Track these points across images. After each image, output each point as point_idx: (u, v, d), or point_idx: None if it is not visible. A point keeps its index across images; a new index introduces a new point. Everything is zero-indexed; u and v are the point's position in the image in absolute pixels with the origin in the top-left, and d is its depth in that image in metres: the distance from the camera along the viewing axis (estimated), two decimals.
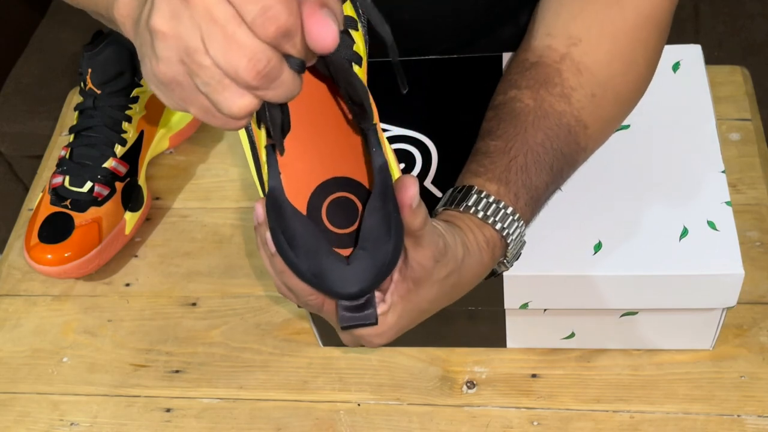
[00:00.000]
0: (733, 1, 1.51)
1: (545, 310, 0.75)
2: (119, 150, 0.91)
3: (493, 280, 0.70)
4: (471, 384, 0.78)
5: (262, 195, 0.59)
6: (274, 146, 0.53)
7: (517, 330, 0.78)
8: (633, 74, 0.70)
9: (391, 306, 0.56)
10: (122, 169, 0.91)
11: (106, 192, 0.89)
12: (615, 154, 0.75)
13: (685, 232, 0.70)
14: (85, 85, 0.92)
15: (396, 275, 0.55)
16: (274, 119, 0.49)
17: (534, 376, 0.78)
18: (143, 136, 0.94)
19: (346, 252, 0.52)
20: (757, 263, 0.82)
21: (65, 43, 1.57)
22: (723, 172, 0.74)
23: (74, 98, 1.06)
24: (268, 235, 0.52)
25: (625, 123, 0.77)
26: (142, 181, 0.93)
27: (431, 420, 0.77)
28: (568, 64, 0.68)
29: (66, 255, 0.86)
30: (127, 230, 0.91)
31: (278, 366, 0.82)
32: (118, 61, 0.91)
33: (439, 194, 0.73)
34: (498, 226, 0.63)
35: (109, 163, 0.90)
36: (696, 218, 0.71)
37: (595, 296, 0.71)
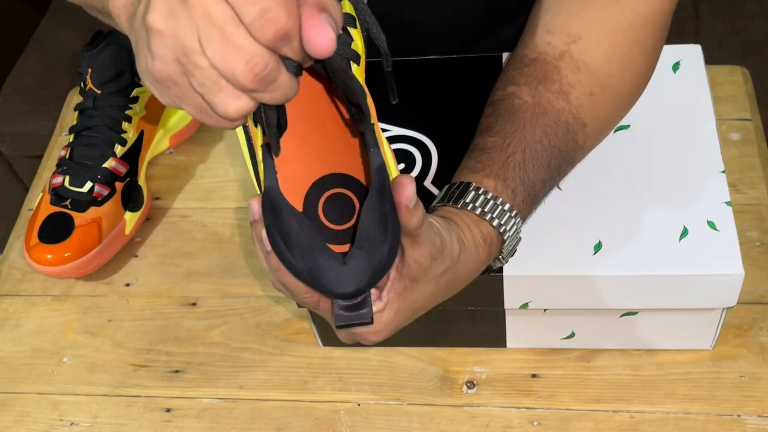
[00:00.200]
0: (733, 1, 1.51)
1: (545, 310, 0.75)
2: (119, 150, 0.91)
3: (494, 280, 0.70)
4: (471, 384, 0.78)
5: (259, 192, 0.59)
6: (270, 145, 0.53)
7: (517, 330, 0.78)
8: (631, 73, 0.70)
9: (388, 304, 0.56)
10: (122, 169, 0.91)
11: (106, 192, 0.89)
12: (615, 154, 0.75)
13: (685, 232, 0.70)
14: (85, 85, 0.92)
15: (393, 273, 0.56)
16: (269, 120, 0.49)
17: (534, 376, 0.78)
18: (143, 136, 0.94)
19: (342, 248, 0.52)
20: (757, 263, 0.82)
21: (65, 43, 1.56)
22: (723, 172, 0.74)
23: (74, 98, 1.06)
24: (263, 232, 0.52)
25: (624, 123, 0.77)
26: (142, 181, 0.93)
27: (431, 420, 0.77)
28: (567, 61, 0.68)
29: (66, 255, 0.86)
30: (127, 230, 0.91)
31: (278, 366, 0.82)
32: (118, 61, 0.91)
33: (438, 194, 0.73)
34: (495, 222, 0.63)
35: (109, 163, 0.90)
36: (696, 218, 0.71)
37: (595, 296, 0.71)
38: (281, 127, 0.51)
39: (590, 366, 0.78)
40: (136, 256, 0.92)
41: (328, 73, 0.51)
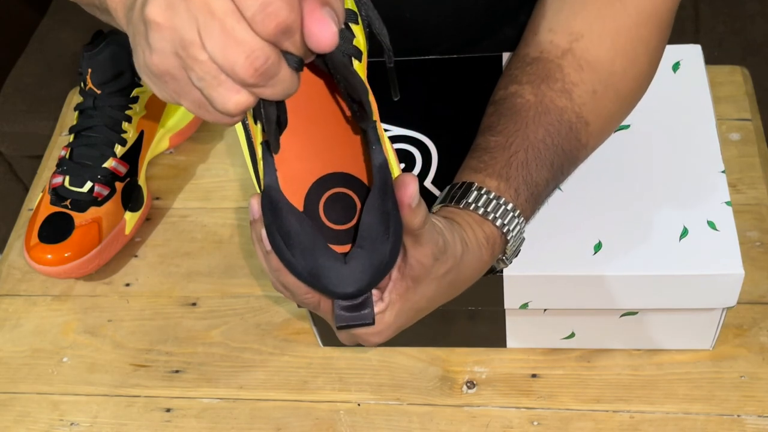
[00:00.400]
0: (733, 1, 1.51)
1: (545, 310, 0.75)
2: (119, 150, 0.91)
3: (494, 280, 0.70)
4: (471, 384, 0.78)
5: (258, 191, 0.59)
6: (270, 142, 0.52)
7: (517, 330, 0.78)
8: (634, 71, 0.70)
9: (389, 304, 0.56)
10: (122, 169, 0.91)
11: (106, 192, 0.89)
12: (615, 154, 0.75)
13: (685, 232, 0.70)
14: (85, 85, 0.92)
15: (395, 273, 0.55)
16: (269, 116, 0.49)
17: (534, 376, 0.78)
18: (143, 136, 0.94)
19: (343, 248, 0.52)
20: (757, 263, 0.82)
21: (65, 43, 1.57)
22: (723, 172, 0.74)
23: (74, 98, 1.06)
24: (263, 232, 0.51)
25: (625, 123, 0.77)
26: (142, 181, 0.93)
27: (431, 420, 0.77)
28: (570, 59, 0.68)
29: (66, 255, 0.86)
30: (127, 230, 0.91)
31: (278, 366, 0.82)
32: (118, 61, 0.91)
33: (438, 194, 0.73)
34: (498, 222, 0.62)
35: (109, 163, 0.90)
36: (696, 218, 0.71)
37: (595, 296, 0.71)
38: (281, 124, 0.51)
39: (590, 366, 0.78)
40: (136, 256, 0.92)
41: (329, 69, 0.50)
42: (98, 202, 0.88)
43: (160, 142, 0.97)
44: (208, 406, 0.80)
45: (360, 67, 0.56)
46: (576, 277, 0.70)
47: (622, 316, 0.75)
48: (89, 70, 0.91)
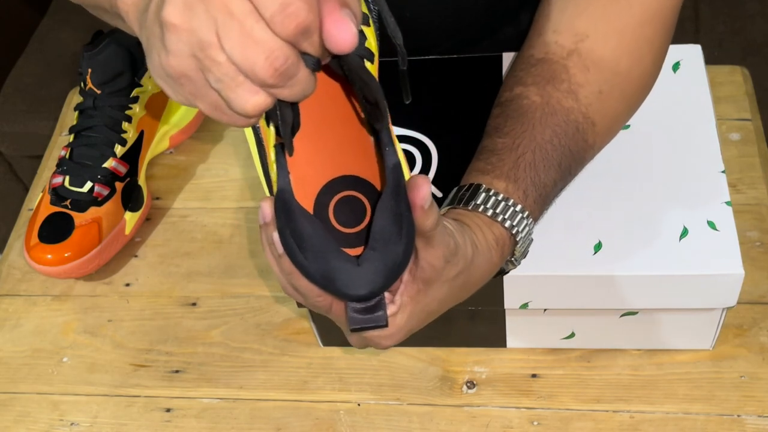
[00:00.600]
0: (733, 1, 1.51)
1: (545, 310, 0.75)
2: (119, 150, 0.91)
3: (493, 280, 0.70)
4: (471, 384, 0.78)
5: (268, 194, 0.58)
6: (283, 145, 0.52)
7: (517, 330, 0.78)
8: (639, 71, 0.70)
9: (401, 307, 0.55)
10: (122, 169, 0.91)
11: (106, 192, 0.89)
12: (615, 154, 0.75)
13: (685, 232, 0.70)
14: (85, 85, 0.92)
15: (406, 276, 0.55)
16: (285, 118, 0.48)
17: (534, 376, 0.78)
18: (143, 136, 0.94)
19: (353, 251, 0.51)
20: (757, 263, 0.82)
21: (65, 43, 1.57)
22: (723, 172, 0.74)
23: (74, 98, 1.06)
24: (276, 235, 0.51)
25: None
26: (142, 181, 0.93)
27: (431, 420, 0.77)
28: (575, 60, 0.68)
29: (66, 255, 0.86)
30: (127, 230, 0.91)
31: (278, 366, 0.82)
32: (118, 61, 0.91)
33: (439, 194, 0.73)
34: (507, 223, 0.62)
35: (109, 163, 0.90)
36: (696, 218, 0.71)
37: (595, 296, 0.71)
38: (295, 126, 0.50)
39: (590, 366, 0.78)
40: (136, 256, 0.92)
41: (344, 70, 0.50)
42: (98, 202, 0.88)
43: (160, 142, 0.97)
44: (208, 406, 0.80)
45: (372, 69, 0.56)
46: (576, 277, 0.70)
47: (622, 316, 0.75)
48: (89, 70, 0.91)
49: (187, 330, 0.85)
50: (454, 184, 0.67)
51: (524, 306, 0.73)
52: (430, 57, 0.84)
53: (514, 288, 0.71)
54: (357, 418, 0.78)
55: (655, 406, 0.75)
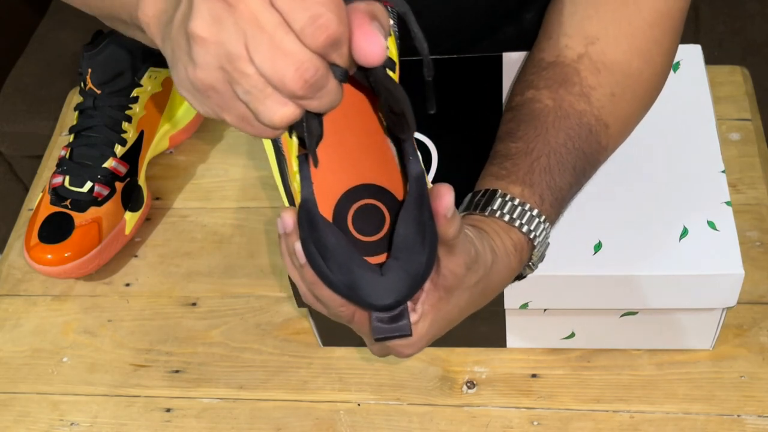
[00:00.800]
0: (733, 1, 1.51)
1: (545, 310, 0.75)
2: (119, 150, 0.91)
3: None
4: (471, 384, 0.78)
5: (287, 203, 0.58)
6: (307, 156, 0.52)
7: (517, 330, 0.78)
8: (650, 72, 0.70)
9: (422, 315, 0.55)
10: (122, 169, 0.91)
11: (106, 192, 0.89)
12: (615, 154, 0.75)
13: (685, 232, 0.70)
14: (85, 85, 0.92)
15: (427, 284, 0.54)
16: (311, 129, 0.48)
17: (534, 376, 0.78)
18: (143, 136, 0.94)
19: (372, 260, 0.51)
20: (757, 263, 0.82)
21: (65, 43, 1.57)
22: (723, 172, 0.74)
23: (74, 98, 1.06)
24: (298, 245, 0.51)
25: None
26: (142, 181, 0.93)
27: (431, 420, 0.77)
28: (587, 63, 0.68)
29: (66, 255, 0.86)
30: (127, 230, 0.91)
31: (278, 366, 0.82)
32: (118, 61, 0.91)
33: None
34: (525, 228, 0.62)
35: (109, 163, 0.90)
36: (696, 218, 0.71)
37: (595, 296, 0.71)
38: (319, 137, 0.50)
39: (590, 366, 0.78)
40: (136, 256, 0.92)
41: (369, 81, 0.50)
42: (98, 202, 0.88)
43: (160, 142, 0.97)
44: (208, 406, 0.80)
45: (394, 77, 0.56)
46: (576, 277, 0.70)
47: (622, 316, 0.75)
48: (89, 70, 0.91)
49: (187, 330, 0.85)
50: (454, 185, 0.67)
51: (524, 306, 0.73)
52: (430, 57, 0.84)
53: (514, 288, 0.71)
54: (357, 418, 0.78)
55: (655, 406, 0.75)
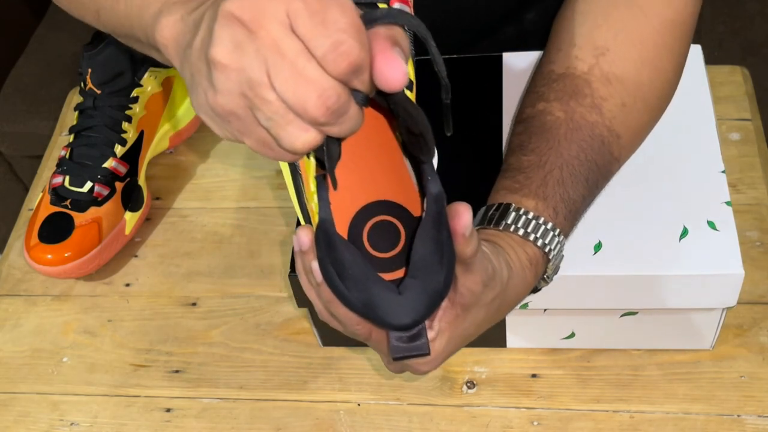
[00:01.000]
0: (733, 1, 1.51)
1: (545, 310, 0.75)
2: (119, 150, 0.91)
3: None
4: (471, 384, 0.78)
5: (302, 222, 0.58)
6: (324, 176, 0.52)
7: (517, 330, 0.78)
8: (661, 81, 0.70)
9: (439, 333, 0.55)
10: (122, 169, 0.91)
11: (106, 192, 0.89)
12: None
13: (685, 232, 0.70)
14: (85, 85, 0.92)
15: (444, 301, 0.54)
16: (331, 153, 0.48)
17: (534, 376, 0.78)
18: (143, 136, 0.94)
19: (387, 276, 0.51)
20: (757, 263, 0.82)
21: (65, 43, 1.57)
22: (723, 172, 0.74)
23: (74, 98, 1.06)
24: (315, 264, 0.51)
25: None
26: (142, 181, 0.93)
27: (431, 420, 0.77)
28: (597, 74, 0.67)
29: (66, 255, 0.86)
30: (127, 230, 0.91)
31: (278, 366, 0.82)
32: (118, 61, 0.91)
33: None
34: (539, 242, 0.62)
35: (109, 163, 0.90)
36: (696, 218, 0.71)
37: (595, 296, 0.71)
38: (338, 159, 0.50)
39: (590, 366, 0.78)
40: (136, 256, 0.92)
41: (389, 103, 0.50)
42: (98, 202, 0.88)
43: (160, 142, 0.97)
44: (208, 406, 0.80)
45: (411, 97, 0.56)
46: (576, 277, 0.70)
47: (622, 316, 0.75)
48: (89, 70, 0.91)
49: (187, 330, 0.85)
50: (454, 185, 0.67)
51: (524, 306, 0.73)
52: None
53: None
54: (357, 418, 0.78)
55: (655, 406, 0.75)
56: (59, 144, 1.03)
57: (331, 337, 0.81)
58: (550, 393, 0.77)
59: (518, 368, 0.79)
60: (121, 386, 0.82)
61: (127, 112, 0.92)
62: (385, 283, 0.49)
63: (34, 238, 0.86)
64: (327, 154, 0.48)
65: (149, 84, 0.95)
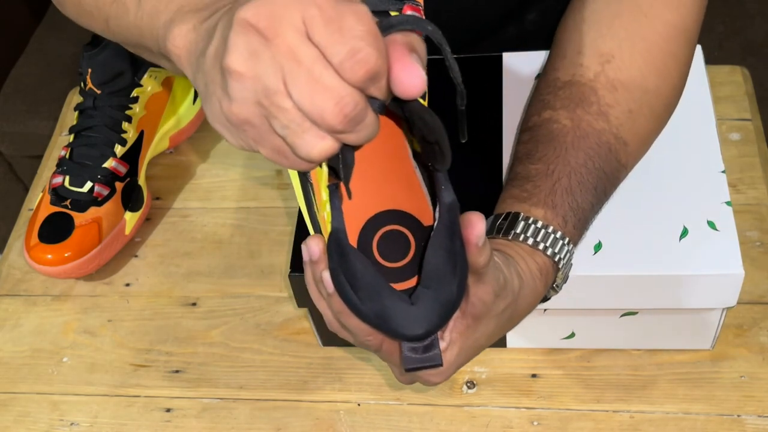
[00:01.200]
0: (733, 1, 1.51)
1: (545, 310, 0.75)
2: (119, 150, 0.91)
3: None
4: (471, 384, 0.78)
5: (312, 232, 0.58)
6: (337, 185, 0.51)
7: (517, 330, 0.78)
8: (666, 87, 0.69)
9: (450, 343, 0.55)
10: (122, 169, 0.91)
11: (106, 192, 0.89)
12: None
13: (685, 232, 0.70)
14: (85, 85, 0.92)
15: (456, 312, 0.53)
16: (346, 161, 0.47)
17: (534, 376, 0.78)
18: (143, 136, 0.94)
19: (397, 286, 0.51)
20: (757, 263, 0.82)
21: (65, 43, 1.57)
22: (723, 172, 0.74)
23: (74, 98, 1.06)
24: (326, 275, 0.50)
25: None
26: (142, 181, 0.93)
27: (431, 420, 0.77)
28: (603, 81, 0.67)
29: (66, 255, 0.86)
30: (127, 230, 0.91)
31: (278, 366, 0.82)
32: (118, 61, 0.91)
33: None
34: (549, 251, 0.61)
35: (109, 163, 0.90)
36: (696, 218, 0.71)
37: (595, 296, 0.71)
38: (352, 168, 0.50)
39: (590, 366, 0.78)
40: (136, 256, 0.92)
41: (403, 110, 0.49)
42: (98, 202, 0.88)
43: (160, 142, 0.97)
44: (208, 406, 0.80)
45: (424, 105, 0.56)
46: (576, 277, 0.70)
47: (622, 316, 0.75)
48: (89, 70, 0.91)
49: (187, 330, 0.85)
50: (454, 185, 0.67)
51: None
52: (431, 57, 0.84)
53: None
54: (357, 418, 0.78)
55: (655, 406, 0.75)
56: (59, 144, 1.03)
57: (331, 337, 0.81)
58: (550, 393, 0.77)
59: (518, 368, 0.79)
60: (121, 386, 0.82)
61: (127, 112, 0.92)
62: (398, 293, 0.49)
63: (34, 238, 0.86)
64: (342, 162, 0.47)
65: (149, 84, 0.95)
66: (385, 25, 0.45)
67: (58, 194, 0.88)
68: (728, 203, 0.72)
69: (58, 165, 0.90)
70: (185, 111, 1.00)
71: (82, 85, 0.93)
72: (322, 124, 0.42)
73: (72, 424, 0.80)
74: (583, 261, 0.70)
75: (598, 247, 0.70)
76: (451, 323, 0.54)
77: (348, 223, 0.52)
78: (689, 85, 0.80)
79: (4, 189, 1.61)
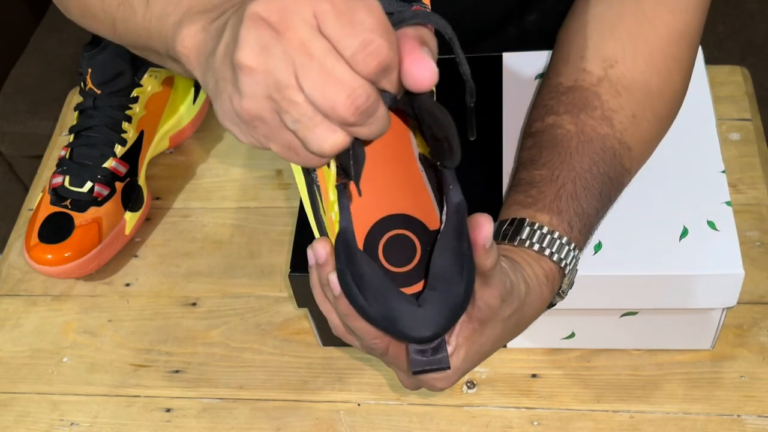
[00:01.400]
0: (733, 1, 1.51)
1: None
2: (119, 150, 0.91)
3: None
4: (471, 384, 0.78)
5: (317, 234, 0.57)
6: (345, 185, 0.51)
7: None
8: (669, 91, 0.69)
9: (457, 348, 0.54)
10: (122, 169, 0.91)
11: (106, 192, 0.89)
12: None
13: (685, 232, 0.70)
14: (85, 85, 0.92)
15: (462, 316, 0.53)
16: (357, 158, 0.47)
17: (534, 376, 0.78)
18: (143, 136, 0.94)
19: (403, 291, 0.50)
20: (757, 263, 0.82)
21: (65, 43, 1.57)
22: (723, 172, 0.74)
23: (74, 98, 1.06)
24: (333, 276, 0.50)
25: None
26: (142, 181, 0.93)
27: (431, 420, 0.77)
28: (606, 86, 0.67)
29: (66, 255, 0.86)
30: (127, 230, 0.91)
31: (278, 366, 0.82)
32: (118, 61, 0.91)
33: None
34: (555, 257, 0.61)
35: (109, 163, 0.90)
36: (696, 218, 0.71)
37: (595, 296, 0.71)
38: (363, 165, 0.50)
39: (590, 366, 0.78)
40: (136, 256, 0.92)
41: (413, 106, 0.49)
42: (98, 202, 0.88)
43: (160, 142, 0.97)
44: (208, 406, 0.80)
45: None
46: (576, 277, 0.69)
47: (622, 316, 0.75)
48: (89, 70, 0.91)
49: (187, 330, 0.85)
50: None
51: None
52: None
53: None
54: (357, 418, 0.78)
55: (655, 406, 0.75)
56: (59, 144, 1.03)
57: (331, 337, 0.81)
58: (550, 393, 0.77)
59: (518, 368, 0.79)
60: (121, 386, 0.82)
61: (127, 112, 0.92)
62: (405, 295, 0.48)
63: (34, 238, 0.86)
64: (353, 158, 0.47)
65: (149, 84, 0.95)
66: (397, 19, 0.45)
67: (58, 194, 0.88)
68: (728, 203, 0.72)
69: (58, 165, 0.90)
70: (185, 111, 1.00)
71: (82, 85, 0.93)
72: (334, 117, 0.42)
73: (72, 424, 0.80)
74: (583, 261, 0.70)
75: (598, 247, 0.70)
76: (457, 327, 0.54)
77: (354, 227, 0.51)
78: (689, 85, 0.80)
79: (4, 189, 1.61)
